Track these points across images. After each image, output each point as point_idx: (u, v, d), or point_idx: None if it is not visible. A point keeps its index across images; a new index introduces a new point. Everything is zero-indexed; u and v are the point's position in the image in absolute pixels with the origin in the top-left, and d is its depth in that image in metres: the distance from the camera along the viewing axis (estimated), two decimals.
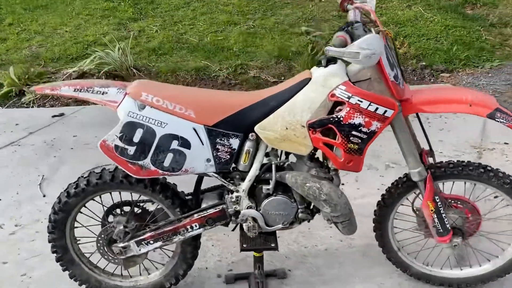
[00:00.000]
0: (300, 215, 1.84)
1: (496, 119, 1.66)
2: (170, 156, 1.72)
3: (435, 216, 1.83)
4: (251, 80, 4.64)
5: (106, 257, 1.94)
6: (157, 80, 4.58)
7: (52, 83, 1.76)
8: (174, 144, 1.71)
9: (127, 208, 1.98)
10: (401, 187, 1.92)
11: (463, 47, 5.24)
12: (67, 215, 1.89)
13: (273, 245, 1.87)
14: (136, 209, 1.96)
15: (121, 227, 1.86)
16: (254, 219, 1.83)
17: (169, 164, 1.73)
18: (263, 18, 5.89)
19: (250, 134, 1.74)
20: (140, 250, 1.89)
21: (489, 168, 1.84)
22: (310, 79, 1.70)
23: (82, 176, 1.87)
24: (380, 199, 2.00)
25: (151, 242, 1.88)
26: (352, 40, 1.57)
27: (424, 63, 5.01)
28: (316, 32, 4.93)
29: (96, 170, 1.88)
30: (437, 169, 1.84)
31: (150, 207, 2.01)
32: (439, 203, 1.82)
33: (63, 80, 4.50)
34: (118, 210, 1.98)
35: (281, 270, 2.18)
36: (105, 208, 1.96)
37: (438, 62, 5.03)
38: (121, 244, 1.87)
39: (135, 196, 1.93)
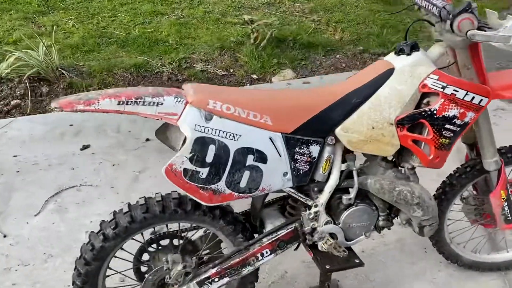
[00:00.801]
0: (380, 223, 1.65)
1: None
2: (246, 174, 1.40)
3: (506, 204, 1.78)
4: (199, 74, 4.28)
5: None
6: (93, 80, 4.00)
7: (81, 96, 1.31)
8: (250, 160, 1.39)
9: (164, 242, 1.61)
10: (465, 178, 1.82)
11: (392, 30, 5.44)
12: (102, 263, 1.47)
13: (357, 261, 1.64)
14: (178, 241, 1.60)
15: (181, 267, 1.49)
16: (331, 235, 1.60)
17: (246, 184, 1.41)
18: (191, 7, 5.50)
19: (330, 138, 1.49)
20: None
21: None
22: (392, 69, 1.50)
23: (120, 212, 1.46)
24: (437, 192, 1.89)
25: (216, 279, 1.54)
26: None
27: (361, 47, 5.10)
28: (260, 21, 4.72)
29: (139, 201, 1.47)
30: (507, 156, 1.79)
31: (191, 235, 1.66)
32: (510, 191, 1.76)
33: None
34: (154, 246, 1.60)
35: (334, 282, 1.97)
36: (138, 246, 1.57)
37: (373, 46, 5.15)
38: None
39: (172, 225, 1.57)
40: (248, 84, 4.29)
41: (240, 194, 1.42)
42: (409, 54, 1.50)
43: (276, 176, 1.45)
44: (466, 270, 2.08)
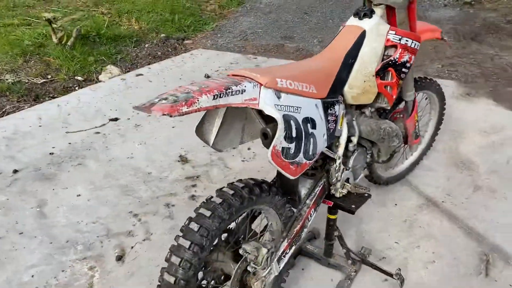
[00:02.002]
0: (368, 160, 1.97)
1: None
2: (310, 141, 1.48)
3: (417, 124, 2.35)
4: (14, 87, 3.62)
5: None
6: None
7: (174, 95, 1.13)
8: (309, 127, 1.48)
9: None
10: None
11: (182, 15, 5.68)
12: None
13: (366, 195, 1.88)
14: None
15: (265, 251, 1.47)
16: (347, 180, 1.84)
17: (311, 151, 1.50)
18: None
19: (340, 97, 1.70)
20: (280, 267, 1.56)
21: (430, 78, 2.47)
22: (364, 31, 1.80)
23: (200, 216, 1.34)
24: None
25: (288, 251, 1.58)
26: None
27: (164, 35, 5.18)
28: (64, 18, 4.23)
29: (214, 201, 1.36)
30: (417, 84, 2.33)
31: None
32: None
33: None
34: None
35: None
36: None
37: (173, 32, 5.31)
38: (266, 271, 1.49)
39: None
40: (77, 87, 3.87)
41: (309, 161, 1.50)
42: (370, 17, 1.83)
43: (321, 139, 1.58)
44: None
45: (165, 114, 1.09)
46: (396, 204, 2.42)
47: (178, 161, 2.84)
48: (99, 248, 2.14)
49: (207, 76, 4.07)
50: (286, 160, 1.39)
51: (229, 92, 1.22)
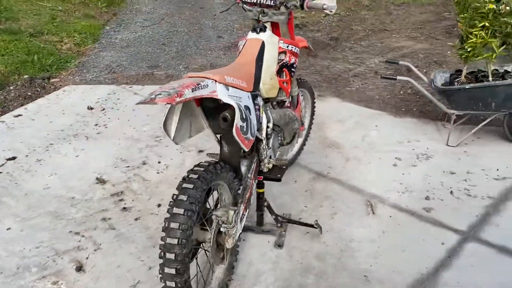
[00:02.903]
0: (278, 142, 2.51)
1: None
2: (251, 123, 1.95)
3: (301, 115, 2.99)
4: None
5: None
6: None
7: (166, 91, 1.49)
8: (248, 113, 1.95)
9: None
10: None
11: (42, 55, 5.60)
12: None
13: (284, 167, 2.40)
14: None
15: (232, 212, 1.87)
16: (270, 156, 2.34)
17: (253, 130, 1.96)
18: None
19: (258, 92, 2.21)
20: (242, 225, 1.98)
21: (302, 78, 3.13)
22: (263, 42, 2.34)
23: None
24: None
25: (245, 213, 2.00)
26: None
27: (27, 76, 5.07)
28: None
29: (192, 176, 1.73)
30: (298, 83, 2.95)
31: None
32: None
33: None
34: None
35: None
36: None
37: (36, 72, 5.23)
38: (234, 230, 1.89)
39: None
40: None
41: (253, 139, 1.96)
42: (265, 31, 2.39)
43: (254, 123, 2.06)
44: None
45: (168, 103, 1.46)
46: (296, 181, 3.01)
47: (97, 183, 3.00)
48: (55, 265, 2.25)
49: (90, 108, 4.21)
50: (242, 136, 1.83)
51: (199, 87, 1.64)
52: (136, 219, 2.63)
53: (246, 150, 1.92)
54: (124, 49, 6.29)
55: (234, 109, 1.76)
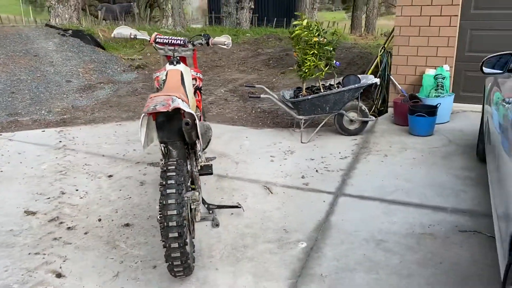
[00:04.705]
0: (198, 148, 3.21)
1: None
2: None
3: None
4: None
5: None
6: None
7: (159, 102, 2.15)
8: None
9: None
10: None
11: None
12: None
13: (211, 163, 3.10)
14: None
15: (197, 193, 2.51)
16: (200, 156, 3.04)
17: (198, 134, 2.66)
18: None
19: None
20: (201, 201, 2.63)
21: None
22: (181, 72, 3.05)
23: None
24: None
25: (201, 195, 2.66)
26: None
27: None
28: None
29: (170, 168, 2.33)
30: None
31: None
32: None
33: None
34: None
35: None
36: None
37: None
38: (199, 205, 2.54)
39: None
40: None
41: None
42: (179, 64, 3.10)
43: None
44: None
45: (167, 110, 2.11)
46: (205, 183, 3.73)
47: (27, 215, 3.21)
48: (34, 279, 2.52)
49: None
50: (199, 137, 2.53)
51: (172, 100, 2.31)
52: (85, 233, 2.99)
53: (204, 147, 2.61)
54: None
55: (189, 116, 2.45)
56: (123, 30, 3.19)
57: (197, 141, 2.86)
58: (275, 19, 20.43)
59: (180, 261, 2.28)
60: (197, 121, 2.45)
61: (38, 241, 2.88)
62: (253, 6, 14.28)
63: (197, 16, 25.37)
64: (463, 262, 2.58)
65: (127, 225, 3.08)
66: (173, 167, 2.37)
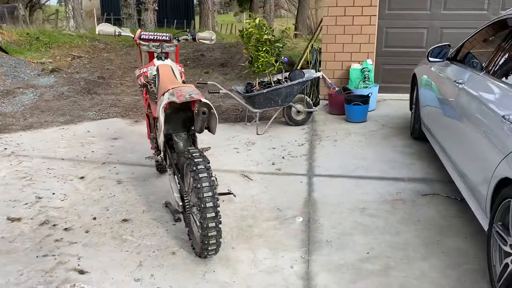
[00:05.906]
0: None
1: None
2: None
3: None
4: None
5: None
6: None
7: (193, 92, 2.26)
8: None
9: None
10: None
11: None
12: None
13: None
14: None
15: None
16: None
17: None
18: None
19: None
20: None
21: None
22: (170, 66, 3.15)
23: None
24: None
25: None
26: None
27: None
28: None
29: None
30: None
31: None
32: None
33: None
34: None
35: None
36: None
37: None
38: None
39: None
40: None
41: None
42: (167, 59, 3.20)
43: None
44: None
45: (203, 98, 2.28)
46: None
47: (12, 221, 3.05)
48: (56, 278, 2.47)
49: None
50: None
51: (198, 91, 2.47)
52: (86, 232, 2.95)
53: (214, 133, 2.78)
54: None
55: (205, 105, 2.61)
56: (106, 28, 3.20)
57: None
58: (175, 21, 20.46)
59: (216, 239, 2.44)
60: (213, 110, 2.62)
61: (40, 244, 2.78)
62: (157, 8, 14.23)
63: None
64: (434, 217, 3.10)
65: (125, 220, 3.10)
66: (198, 153, 2.52)
